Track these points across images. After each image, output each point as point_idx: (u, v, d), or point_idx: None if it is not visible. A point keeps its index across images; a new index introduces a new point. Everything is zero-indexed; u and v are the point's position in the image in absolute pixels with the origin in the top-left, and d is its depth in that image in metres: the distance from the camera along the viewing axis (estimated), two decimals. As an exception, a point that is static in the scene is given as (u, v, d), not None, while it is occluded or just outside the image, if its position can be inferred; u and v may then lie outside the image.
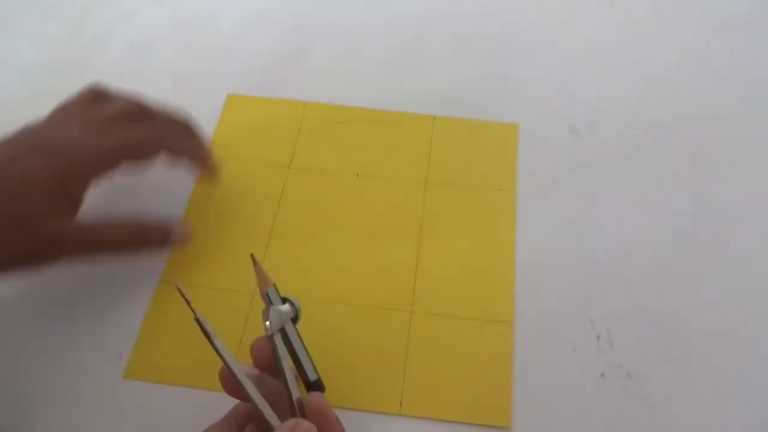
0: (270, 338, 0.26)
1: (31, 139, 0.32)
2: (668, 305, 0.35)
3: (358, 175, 0.39)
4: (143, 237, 0.35)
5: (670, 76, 0.44)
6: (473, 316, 0.34)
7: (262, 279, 0.27)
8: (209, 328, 0.24)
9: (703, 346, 0.33)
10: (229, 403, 0.27)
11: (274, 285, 0.27)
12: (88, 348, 0.33)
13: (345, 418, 0.26)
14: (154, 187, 0.39)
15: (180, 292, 0.24)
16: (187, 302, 0.24)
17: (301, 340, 0.27)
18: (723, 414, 0.31)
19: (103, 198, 0.38)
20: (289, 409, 0.25)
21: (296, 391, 0.26)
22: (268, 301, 0.27)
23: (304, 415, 0.25)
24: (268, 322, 0.26)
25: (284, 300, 0.27)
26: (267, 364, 0.27)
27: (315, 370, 0.27)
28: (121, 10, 0.49)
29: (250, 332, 0.34)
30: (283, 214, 0.38)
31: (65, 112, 0.35)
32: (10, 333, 0.34)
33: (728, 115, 0.42)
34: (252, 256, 0.28)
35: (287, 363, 0.26)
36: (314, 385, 0.26)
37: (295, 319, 0.27)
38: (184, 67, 0.46)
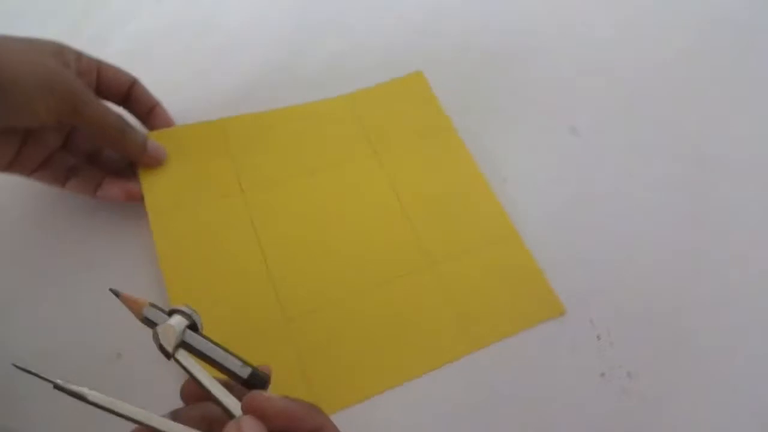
0: (173, 359, 0.23)
1: None
2: (668, 305, 0.35)
3: (313, 174, 0.39)
4: (126, 129, 0.35)
5: (670, 76, 0.44)
6: (483, 244, 0.36)
7: (133, 305, 0.23)
8: (76, 388, 0.21)
9: (703, 346, 0.33)
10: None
11: (150, 303, 0.23)
12: (87, 348, 0.33)
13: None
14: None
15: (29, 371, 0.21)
16: (37, 375, 0.21)
17: (212, 341, 0.23)
18: (723, 414, 0.31)
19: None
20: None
21: (233, 401, 0.22)
22: (152, 324, 0.23)
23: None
24: (160, 344, 0.22)
25: (170, 313, 0.23)
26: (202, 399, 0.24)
27: (246, 363, 0.23)
28: (121, 10, 0.49)
29: (306, 350, 0.33)
30: (265, 234, 0.36)
31: None
32: (9, 331, 0.34)
33: (728, 115, 0.42)
34: (111, 290, 0.24)
35: (207, 377, 0.23)
36: (254, 381, 0.23)
37: (193, 327, 0.23)
38: (185, 67, 0.46)
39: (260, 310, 0.34)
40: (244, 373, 0.23)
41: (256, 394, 0.21)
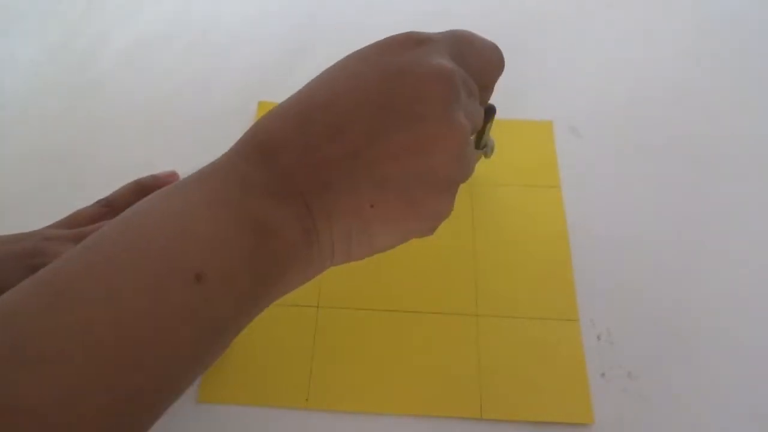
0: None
1: None
2: (668, 305, 0.35)
3: None
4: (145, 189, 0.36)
5: (670, 76, 0.44)
6: (539, 315, 0.34)
7: None
8: None
9: (703, 346, 0.33)
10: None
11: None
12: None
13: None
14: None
15: None
16: None
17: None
18: (723, 414, 0.31)
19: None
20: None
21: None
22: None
23: None
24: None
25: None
26: None
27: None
28: (121, 10, 0.49)
29: (320, 347, 0.34)
30: None
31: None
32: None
33: (728, 115, 0.42)
34: None
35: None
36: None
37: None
38: (185, 67, 0.46)
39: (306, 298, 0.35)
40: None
41: None
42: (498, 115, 0.44)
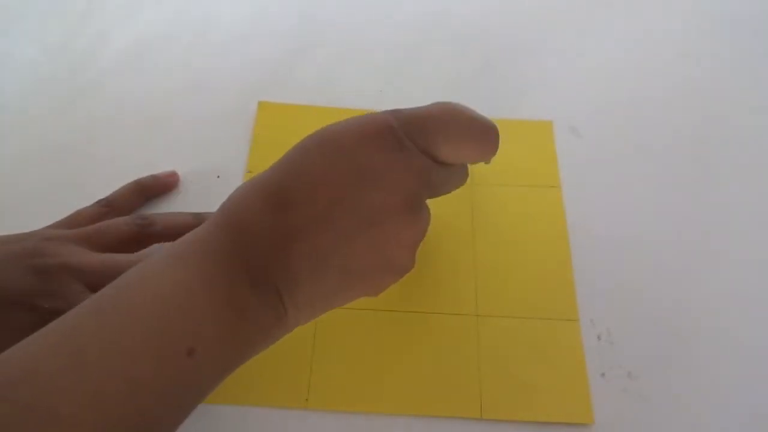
0: None
1: None
2: (668, 305, 0.35)
3: None
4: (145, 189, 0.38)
5: (670, 76, 0.44)
6: (539, 315, 0.34)
7: None
8: None
9: (703, 346, 0.33)
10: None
11: None
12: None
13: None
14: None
15: None
16: None
17: None
18: (723, 414, 0.31)
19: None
20: None
21: None
22: None
23: None
24: None
25: None
26: None
27: None
28: (121, 10, 0.49)
29: (320, 347, 0.34)
30: None
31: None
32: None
33: (728, 115, 0.42)
34: None
35: None
36: None
37: None
38: (185, 67, 0.46)
39: None
40: None
41: None
42: (498, 115, 0.44)
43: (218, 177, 0.40)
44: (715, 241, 0.37)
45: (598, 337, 0.34)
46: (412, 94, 0.43)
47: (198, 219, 0.35)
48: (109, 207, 0.36)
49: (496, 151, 0.28)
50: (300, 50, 0.46)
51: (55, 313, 0.22)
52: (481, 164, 0.37)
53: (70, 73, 0.46)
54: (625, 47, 0.46)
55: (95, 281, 0.29)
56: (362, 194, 0.24)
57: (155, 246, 0.33)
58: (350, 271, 0.24)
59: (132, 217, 0.35)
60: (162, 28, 0.48)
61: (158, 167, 0.39)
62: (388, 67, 0.45)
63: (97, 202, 0.37)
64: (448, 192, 0.29)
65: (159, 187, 0.39)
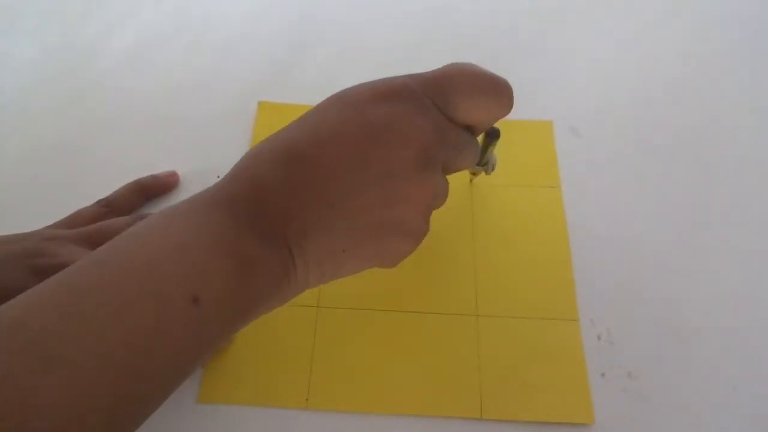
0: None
1: None
2: (668, 305, 0.35)
3: None
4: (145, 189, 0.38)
5: (670, 76, 0.44)
6: (539, 315, 0.34)
7: None
8: None
9: (703, 346, 0.33)
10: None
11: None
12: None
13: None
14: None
15: None
16: None
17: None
18: (723, 414, 0.31)
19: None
20: None
21: None
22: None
23: None
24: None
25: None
26: None
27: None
28: (121, 10, 0.49)
29: (320, 347, 0.34)
30: None
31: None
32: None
33: (728, 115, 0.42)
34: None
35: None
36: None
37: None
38: (185, 67, 0.46)
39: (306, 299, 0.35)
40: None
41: None
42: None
43: (218, 177, 0.39)
44: (715, 241, 0.37)
45: (598, 337, 0.34)
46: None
47: None
48: (109, 207, 0.36)
49: (510, 108, 0.27)
50: (300, 50, 0.46)
51: None
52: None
53: (70, 73, 0.46)
54: (625, 47, 0.46)
55: None
56: (374, 147, 0.23)
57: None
58: (360, 227, 0.23)
59: (132, 217, 0.35)
60: (162, 27, 0.48)
61: (158, 167, 0.39)
62: (388, 67, 0.45)
63: (97, 202, 0.37)
64: (460, 168, 0.28)
65: (159, 187, 0.39)
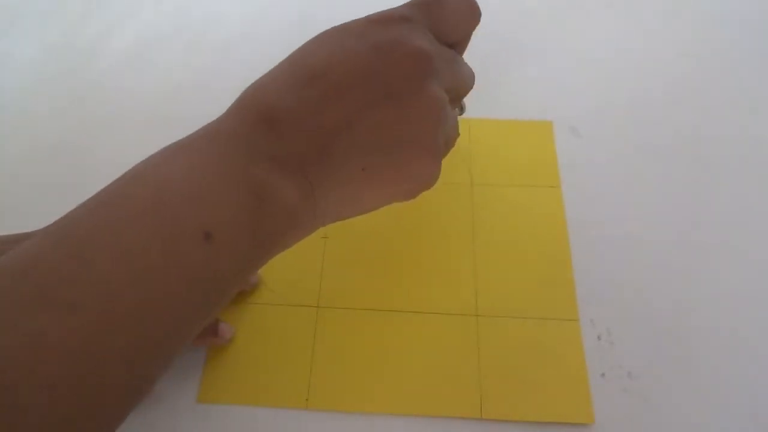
0: None
1: None
2: (668, 305, 0.35)
3: None
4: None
5: (670, 76, 0.44)
6: (539, 315, 0.34)
7: None
8: None
9: (703, 346, 0.33)
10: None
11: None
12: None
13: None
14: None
15: None
16: None
17: None
18: (723, 414, 0.31)
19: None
20: None
21: None
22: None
23: None
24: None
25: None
26: None
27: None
28: (121, 10, 0.49)
29: (320, 347, 0.34)
30: (332, 229, 0.37)
31: None
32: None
33: (729, 115, 0.42)
34: None
35: None
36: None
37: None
38: (185, 67, 0.46)
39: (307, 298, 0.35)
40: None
41: None
42: (498, 115, 0.44)
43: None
44: (715, 240, 0.37)
45: (598, 337, 0.34)
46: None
47: None
48: None
49: (479, 17, 0.28)
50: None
51: None
52: (482, 164, 0.37)
53: (70, 73, 0.46)
54: (625, 47, 0.46)
55: None
56: (383, 64, 0.23)
57: None
58: (378, 146, 0.23)
59: None
60: (162, 27, 0.48)
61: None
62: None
63: None
64: (460, 89, 0.28)
65: None
